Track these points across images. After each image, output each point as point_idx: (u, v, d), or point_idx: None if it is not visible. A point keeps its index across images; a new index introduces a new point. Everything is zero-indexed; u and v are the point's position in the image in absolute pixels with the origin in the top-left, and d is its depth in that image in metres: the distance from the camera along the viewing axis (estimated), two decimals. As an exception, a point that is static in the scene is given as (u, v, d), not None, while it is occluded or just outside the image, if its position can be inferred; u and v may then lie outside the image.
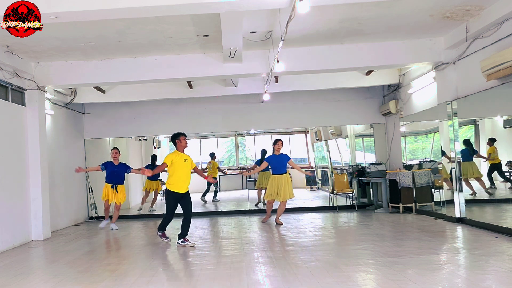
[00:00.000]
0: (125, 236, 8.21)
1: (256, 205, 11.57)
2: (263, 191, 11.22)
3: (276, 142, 8.70)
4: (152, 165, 12.06)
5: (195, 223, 9.48)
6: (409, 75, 9.64)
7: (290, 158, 8.74)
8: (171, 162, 6.76)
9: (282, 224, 8.37)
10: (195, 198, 13.82)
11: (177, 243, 6.77)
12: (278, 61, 7.07)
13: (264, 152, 12.02)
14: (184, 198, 6.86)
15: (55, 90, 9.32)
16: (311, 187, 16.62)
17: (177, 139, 6.92)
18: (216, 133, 18.64)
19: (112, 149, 9.06)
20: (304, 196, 13.05)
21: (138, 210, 11.85)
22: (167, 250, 6.72)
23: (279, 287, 4.25)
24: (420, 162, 9.82)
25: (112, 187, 8.81)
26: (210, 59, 8.16)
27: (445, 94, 7.84)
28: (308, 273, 4.67)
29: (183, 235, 6.79)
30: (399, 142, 10.44)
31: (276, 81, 9.85)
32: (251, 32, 7.07)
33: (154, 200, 12.29)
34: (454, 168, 7.68)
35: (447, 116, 7.78)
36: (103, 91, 10.18)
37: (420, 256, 5.25)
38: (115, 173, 8.83)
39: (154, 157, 12.35)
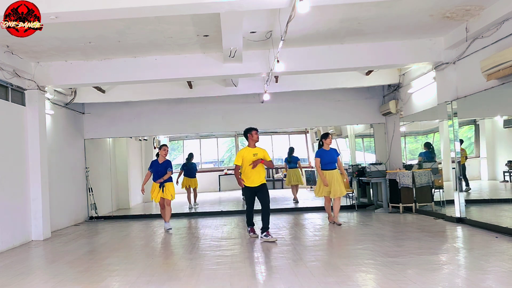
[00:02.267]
0: (125, 236, 8.21)
1: (295, 201, 12.27)
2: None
3: (326, 136, 8.22)
4: (187, 164, 12.65)
5: (195, 223, 9.49)
6: (409, 75, 9.64)
7: (339, 154, 8.39)
8: (242, 160, 6.93)
9: (341, 224, 7.97)
10: (203, 197, 13.93)
11: (260, 237, 6.85)
12: (278, 61, 7.08)
13: (291, 149, 12.45)
14: (259, 191, 6.96)
15: (55, 90, 9.32)
16: (311, 187, 16.61)
17: (249, 133, 7.06)
18: (216, 133, 18.68)
19: (163, 146, 8.56)
20: (304, 196, 13.07)
21: (189, 209, 12.28)
22: (167, 250, 6.73)
23: (279, 287, 4.25)
24: (420, 162, 9.83)
25: (160, 186, 8.27)
26: (210, 59, 8.16)
27: (445, 94, 7.84)
28: (308, 273, 4.67)
29: (264, 228, 6.83)
30: (399, 142, 10.44)
31: (276, 81, 9.85)
32: (251, 32, 7.07)
33: (195, 196, 12.78)
34: (454, 168, 7.67)
35: (447, 116, 7.77)
36: (103, 91, 10.18)
37: (420, 256, 5.25)
38: (159, 172, 8.33)
39: (191, 156, 12.92)
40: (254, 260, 5.56)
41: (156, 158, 8.57)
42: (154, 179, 8.32)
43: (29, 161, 8.09)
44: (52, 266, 5.85)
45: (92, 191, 10.91)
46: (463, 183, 7.73)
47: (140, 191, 8.76)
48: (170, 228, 8.39)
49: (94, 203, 10.90)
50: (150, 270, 5.24)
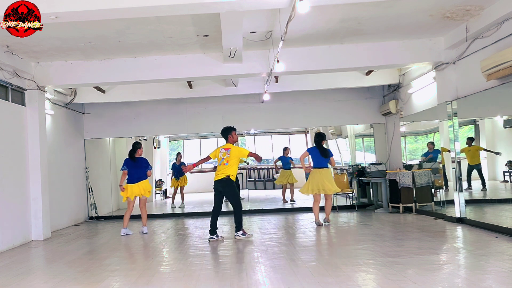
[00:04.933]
0: (125, 236, 8.20)
1: (290, 201, 12.28)
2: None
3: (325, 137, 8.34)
4: (177, 163, 12.88)
5: (195, 223, 9.49)
6: (409, 75, 9.64)
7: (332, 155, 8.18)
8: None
9: (322, 224, 8.00)
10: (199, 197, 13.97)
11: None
12: (278, 61, 7.07)
13: (285, 149, 12.60)
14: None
15: (55, 90, 9.32)
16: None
17: (233, 132, 7.35)
18: (216, 133, 18.64)
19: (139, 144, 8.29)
20: (304, 196, 13.03)
21: (173, 207, 12.64)
22: (167, 250, 6.73)
23: (279, 287, 4.25)
24: (420, 162, 9.83)
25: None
26: (210, 59, 8.16)
27: (445, 94, 7.84)
28: (308, 273, 4.67)
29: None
30: (399, 142, 10.44)
31: (276, 81, 9.85)
32: (251, 32, 7.07)
33: (182, 196, 13.06)
34: (454, 168, 7.67)
35: (447, 116, 7.77)
36: (103, 91, 10.18)
37: (420, 256, 5.25)
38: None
39: (178, 154, 13.37)
40: (254, 260, 5.56)
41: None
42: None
43: (29, 161, 8.09)
44: (52, 266, 5.85)
45: (92, 191, 10.91)
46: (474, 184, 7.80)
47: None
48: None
49: (94, 203, 10.90)
50: (150, 270, 5.24)
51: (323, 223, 8.04)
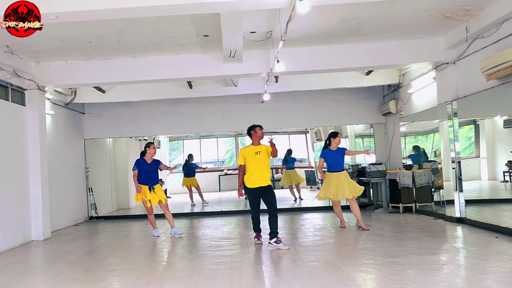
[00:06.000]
0: (125, 236, 8.21)
1: (300, 200, 12.58)
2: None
3: (335, 135, 7.62)
4: (186, 164, 13.07)
5: (194, 223, 9.50)
6: (409, 75, 9.64)
7: (346, 149, 7.86)
8: (244, 159, 6.51)
9: (368, 229, 7.36)
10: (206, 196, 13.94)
11: (269, 243, 6.29)
12: (278, 61, 7.07)
13: (289, 151, 12.82)
14: (264, 194, 6.45)
15: (55, 90, 9.32)
16: (311, 187, 16.61)
17: (253, 130, 6.59)
18: (216, 133, 18.68)
19: (151, 144, 7.88)
20: (304, 196, 13.07)
21: (192, 206, 12.68)
22: (167, 250, 6.73)
23: (279, 287, 4.25)
24: (420, 162, 9.82)
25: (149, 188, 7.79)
26: (210, 59, 8.16)
27: (445, 94, 7.84)
28: (308, 273, 4.67)
29: (273, 233, 6.29)
30: (399, 142, 10.44)
31: (276, 81, 9.85)
32: (251, 32, 7.07)
33: (200, 194, 13.07)
34: (454, 168, 7.67)
35: (447, 116, 7.77)
36: (103, 91, 10.18)
37: (420, 256, 5.25)
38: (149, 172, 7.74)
39: (190, 156, 13.31)
40: (254, 260, 5.56)
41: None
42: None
43: (29, 161, 8.09)
44: (52, 266, 5.86)
45: (92, 191, 10.91)
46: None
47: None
48: (181, 233, 7.82)
49: (94, 203, 10.90)
50: (150, 270, 5.24)
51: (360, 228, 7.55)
